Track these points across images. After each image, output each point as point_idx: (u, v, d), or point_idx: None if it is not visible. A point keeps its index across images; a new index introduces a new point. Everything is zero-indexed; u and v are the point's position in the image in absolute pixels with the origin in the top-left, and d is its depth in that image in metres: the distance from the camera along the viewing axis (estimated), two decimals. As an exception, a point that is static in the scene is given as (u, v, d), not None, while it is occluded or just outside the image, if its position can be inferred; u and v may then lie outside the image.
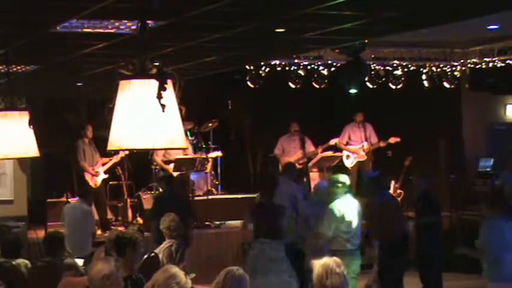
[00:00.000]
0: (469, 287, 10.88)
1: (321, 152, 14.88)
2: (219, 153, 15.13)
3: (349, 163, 15.12)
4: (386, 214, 9.84)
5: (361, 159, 15.11)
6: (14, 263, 8.19)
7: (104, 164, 14.04)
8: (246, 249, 10.78)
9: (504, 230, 7.80)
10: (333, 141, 14.92)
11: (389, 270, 9.79)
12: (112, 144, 4.47)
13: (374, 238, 9.89)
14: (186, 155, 13.98)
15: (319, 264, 5.29)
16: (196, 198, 14.12)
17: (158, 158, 14.08)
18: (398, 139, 14.81)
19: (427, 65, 15.67)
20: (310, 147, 14.81)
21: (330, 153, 14.96)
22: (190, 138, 14.55)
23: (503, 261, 7.71)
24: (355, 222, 9.45)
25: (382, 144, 15.00)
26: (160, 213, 10.00)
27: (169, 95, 4.35)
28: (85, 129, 13.92)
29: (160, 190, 12.59)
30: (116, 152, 13.50)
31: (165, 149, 12.00)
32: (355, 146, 15.10)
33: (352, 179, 15.09)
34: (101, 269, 5.26)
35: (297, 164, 14.70)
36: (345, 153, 15.18)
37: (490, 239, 7.78)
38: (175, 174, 13.75)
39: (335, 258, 5.37)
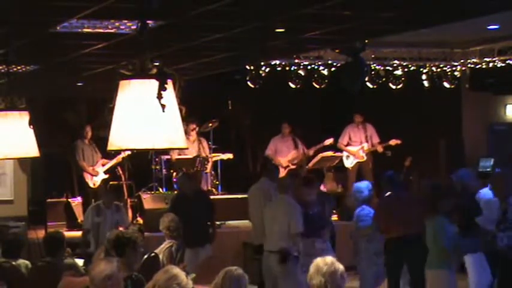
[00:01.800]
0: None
1: (314, 153, 14.85)
2: (230, 155, 15.10)
3: (348, 163, 15.10)
4: (396, 210, 9.78)
5: (360, 160, 15.08)
6: (14, 263, 8.20)
7: (104, 165, 14.04)
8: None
9: None
10: (327, 142, 14.86)
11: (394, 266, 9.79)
12: (112, 144, 4.47)
13: (381, 233, 9.87)
14: (200, 154, 14.00)
15: (313, 263, 5.32)
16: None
17: (174, 155, 14.11)
18: (399, 141, 14.76)
19: (427, 65, 15.67)
20: (303, 147, 14.82)
21: (330, 153, 14.94)
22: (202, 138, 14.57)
23: None
24: None
25: (380, 148, 14.93)
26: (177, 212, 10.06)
27: (169, 95, 4.35)
28: (84, 130, 13.92)
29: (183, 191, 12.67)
30: (117, 152, 13.50)
31: (172, 149, 11.99)
32: (355, 147, 15.05)
33: (351, 179, 15.15)
34: (103, 269, 5.25)
35: (290, 165, 14.72)
36: (344, 153, 15.15)
37: None
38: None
39: (326, 257, 5.35)
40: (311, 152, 14.80)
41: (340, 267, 5.30)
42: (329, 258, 5.31)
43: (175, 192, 13.17)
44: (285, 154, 14.79)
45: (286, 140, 14.85)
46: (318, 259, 5.33)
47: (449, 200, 8.39)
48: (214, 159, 14.88)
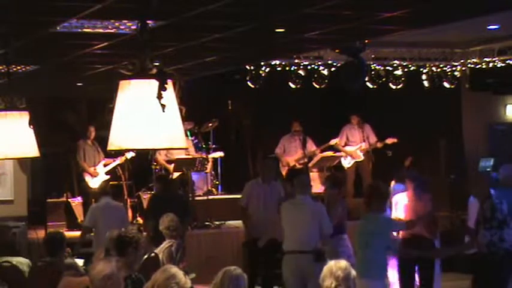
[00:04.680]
0: (469, 287, 10.87)
1: (320, 152, 14.86)
2: (220, 154, 15.11)
3: (346, 163, 15.10)
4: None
5: (358, 160, 15.07)
6: (14, 262, 8.21)
7: (106, 165, 14.02)
8: None
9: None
10: (333, 141, 14.88)
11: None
12: (112, 144, 4.46)
13: None
14: (188, 155, 13.97)
15: (327, 266, 5.34)
16: (196, 198, 14.12)
17: (160, 156, 14.06)
18: (395, 140, 14.76)
19: (427, 65, 15.68)
20: (311, 147, 14.77)
21: (330, 153, 14.94)
22: (190, 138, 14.54)
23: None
24: None
25: (379, 144, 14.95)
26: (155, 214, 10.01)
27: (169, 95, 4.35)
28: (88, 130, 13.91)
29: (154, 191, 12.61)
30: (121, 153, 13.51)
31: (167, 149, 11.96)
32: (353, 147, 15.05)
33: (350, 179, 15.15)
34: (102, 269, 5.25)
35: (297, 164, 14.73)
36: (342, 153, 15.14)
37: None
38: (176, 174, 13.76)
39: (340, 261, 5.37)
40: (318, 151, 14.79)
41: (353, 272, 5.32)
42: (343, 263, 5.34)
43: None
44: (292, 153, 14.78)
45: (295, 140, 14.83)
46: (332, 262, 5.35)
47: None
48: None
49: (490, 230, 7.96)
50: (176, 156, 13.76)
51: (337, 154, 15.04)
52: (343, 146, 15.07)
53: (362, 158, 15.02)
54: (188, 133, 14.44)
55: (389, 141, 14.80)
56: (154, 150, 13.07)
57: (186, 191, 13.58)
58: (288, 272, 9.13)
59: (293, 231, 9.19)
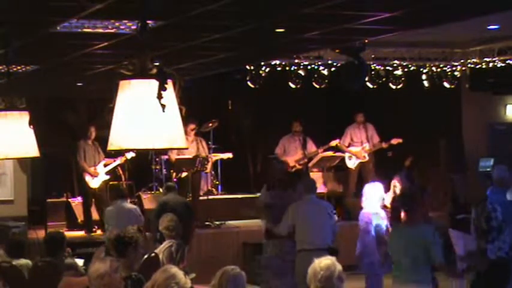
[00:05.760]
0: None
1: (322, 153, 14.84)
2: (229, 155, 15.07)
3: (351, 164, 15.07)
4: None
5: (362, 160, 15.06)
6: (14, 263, 8.21)
7: (107, 165, 14.03)
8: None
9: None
10: (333, 143, 14.83)
11: None
12: (112, 144, 4.46)
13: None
14: (200, 154, 13.98)
15: (311, 266, 5.32)
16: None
17: (172, 155, 14.07)
18: (400, 140, 14.75)
19: (427, 65, 15.68)
20: (311, 148, 14.75)
21: (330, 153, 14.93)
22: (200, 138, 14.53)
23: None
24: None
25: (384, 145, 14.94)
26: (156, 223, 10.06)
27: (170, 95, 4.35)
28: (88, 130, 13.92)
29: (162, 194, 12.62)
30: (121, 153, 13.51)
31: (171, 149, 11.97)
32: (357, 148, 15.03)
33: (353, 179, 15.14)
34: (97, 268, 5.28)
35: (297, 164, 14.72)
36: (347, 154, 15.11)
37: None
38: (184, 174, 13.78)
39: (323, 260, 5.34)
40: (321, 151, 14.77)
41: (337, 268, 5.30)
42: (325, 262, 5.30)
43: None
44: (292, 154, 14.76)
45: (295, 140, 14.80)
46: (316, 262, 5.33)
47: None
48: (214, 159, 14.85)
49: (493, 243, 7.89)
50: (181, 155, 13.81)
51: (338, 154, 15.03)
52: (347, 147, 15.05)
53: (367, 158, 15.00)
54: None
55: (394, 141, 14.78)
56: (155, 150, 13.06)
57: (192, 191, 13.64)
58: (302, 269, 9.11)
59: (308, 230, 9.30)
